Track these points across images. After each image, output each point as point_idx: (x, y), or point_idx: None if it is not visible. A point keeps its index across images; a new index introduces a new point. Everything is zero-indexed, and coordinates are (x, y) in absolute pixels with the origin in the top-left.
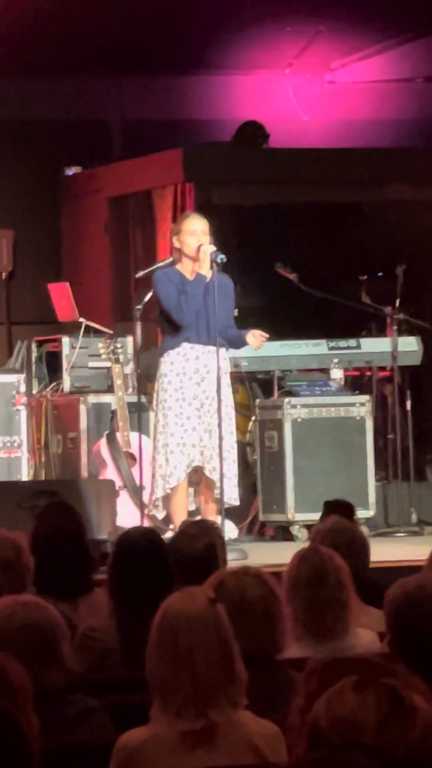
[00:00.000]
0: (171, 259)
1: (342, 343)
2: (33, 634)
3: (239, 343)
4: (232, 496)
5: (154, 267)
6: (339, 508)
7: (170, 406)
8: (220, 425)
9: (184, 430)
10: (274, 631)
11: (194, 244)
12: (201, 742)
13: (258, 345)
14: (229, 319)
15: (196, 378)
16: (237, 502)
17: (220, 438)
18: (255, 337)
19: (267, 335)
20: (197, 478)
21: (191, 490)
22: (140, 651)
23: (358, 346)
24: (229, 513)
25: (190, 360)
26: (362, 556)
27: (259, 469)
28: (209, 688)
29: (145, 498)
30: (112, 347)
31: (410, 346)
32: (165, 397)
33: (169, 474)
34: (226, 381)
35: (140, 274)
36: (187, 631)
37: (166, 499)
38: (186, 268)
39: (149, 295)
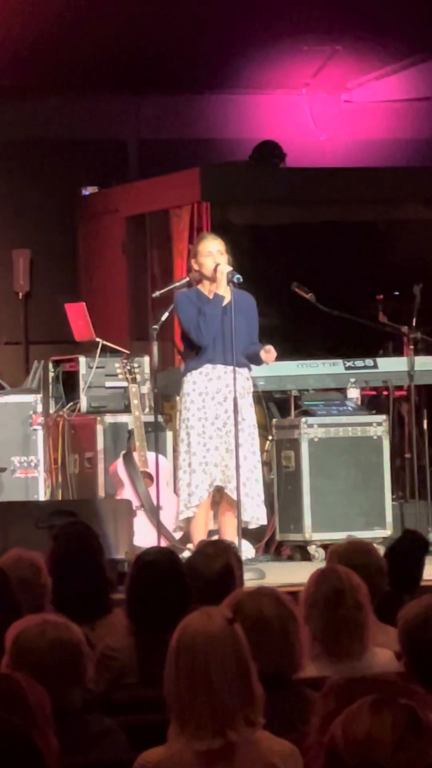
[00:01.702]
0: (187, 279)
1: (359, 362)
2: (61, 653)
3: (256, 359)
4: (257, 515)
5: (170, 287)
6: (413, 541)
7: (193, 425)
8: (236, 445)
9: (207, 450)
10: (291, 650)
11: (211, 265)
12: (219, 761)
13: (270, 360)
14: (252, 336)
15: (219, 398)
16: (264, 521)
17: (237, 457)
18: (267, 352)
19: (275, 352)
20: (218, 497)
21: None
22: (158, 670)
23: (375, 366)
24: (246, 532)
25: (212, 380)
26: (380, 576)
27: (276, 489)
28: (226, 707)
29: (164, 517)
30: (128, 367)
31: (427, 365)
32: (188, 416)
33: (191, 493)
34: (248, 401)
35: (157, 293)
36: (204, 650)
37: (187, 519)
38: (206, 289)
39: (166, 314)
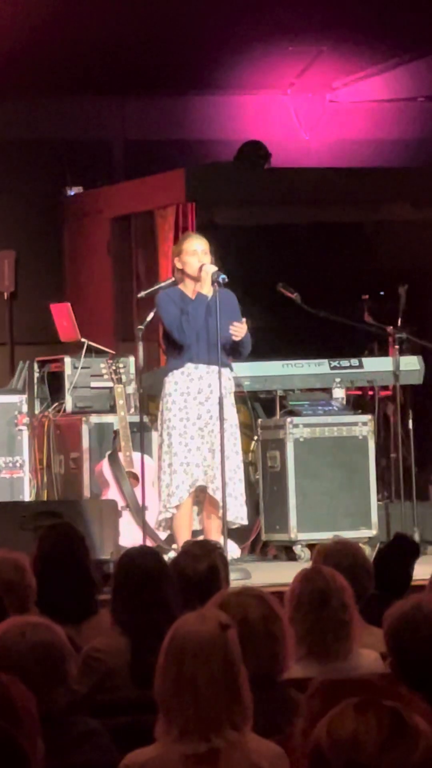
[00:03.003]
0: (173, 279)
1: (344, 362)
2: (43, 654)
3: (235, 349)
4: (239, 515)
5: (155, 287)
6: (402, 545)
7: (174, 426)
8: (222, 445)
9: (188, 450)
10: (276, 651)
11: (196, 264)
12: (205, 764)
13: (239, 333)
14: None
15: (200, 398)
16: (245, 522)
17: (223, 458)
18: (236, 327)
19: (243, 324)
20: (201, 497)
21: (195, 509)
22: (144, 671)
23: (361, 366)
24: (232, 533)
25: (194, 380)
26: (365, 577)
27: (261, 489)
28: (213, 712)
29: (149, 518)
30: (114, 367)
31: (412, 365)
32: (169, 416)
33: (172, 494)
34: (230, 401)
35: (142, 294)
36: (193, 654)
37: (170, 519)
38: (188, 288)
39: (151, 315)
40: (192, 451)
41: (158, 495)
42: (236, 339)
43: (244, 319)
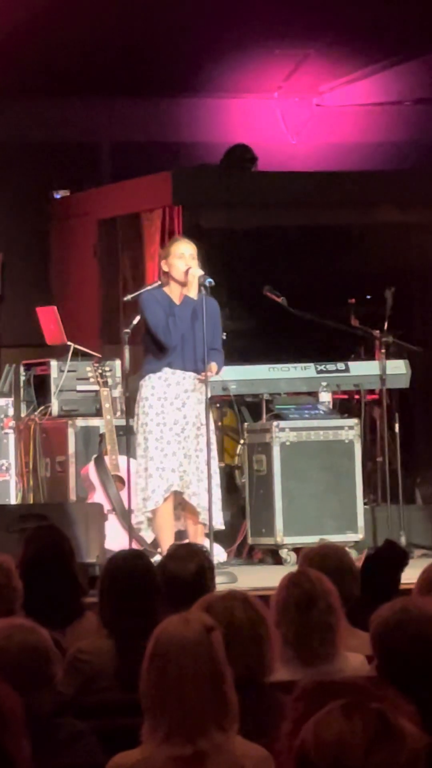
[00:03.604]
0: (159, 282)
1: (330, 366)
2: (29, 657)
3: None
4: (217, 520)
5: (142, 290)
6: (392, 552)
7: (151, 430)
8: (209, 449)
9: (164, 455)
10: (262, 654)
11: (182, 267)
12: (190, 766)
13: (200, 378)
14: (213, 342)
15: (177, 403)
16: (221, 526)
17: (209, 460)
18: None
19: (211, 374)
20: (178, 500)
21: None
22: (130, 674)
23: (347, 369)
24: (218, 536)
25: (171, 385)
26: (351, 580)
27: (247, 493)
28: (198, 715)
29: (134, 521)
30: (100, 371)
31: (399, 369)
32: (146, 420)
33: (148, 498)
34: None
35: (128, 297)
36: (177, 656)
37: (150, 523)
38: (173, 292)
39: (137, 318)
40: (168, 456)
41: (131, 497)
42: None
43: (213, 364)
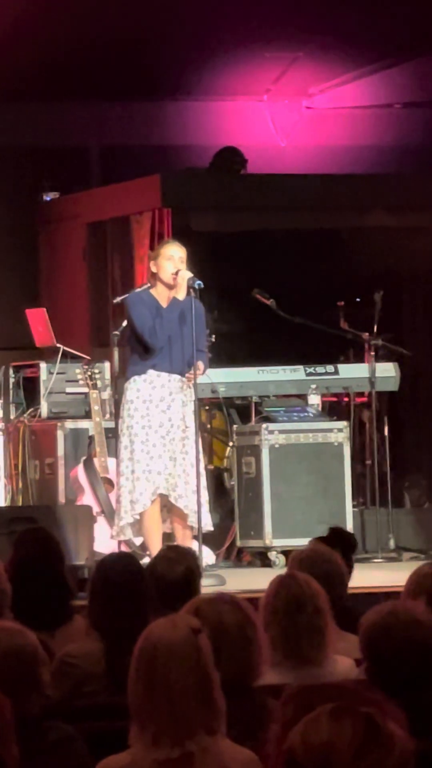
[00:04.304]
0: (148, 285)
1: (320, 368)
2: (15, 659)
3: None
4: (205, 522)
5: (131, 293)
6: (341, 539)
7: (136, 433)
8: (197, 452)
9: (150, 457)
10: (250, 657)
11: (170, 269)
12: None
13: (189, 377)
14: (198, 344)
15: (162, 405)
16: (210, 528)
17: (198, 463)
18: (195, 369)
19: (199, 372)
20: (164, 502)
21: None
22: (119, 677)
23: (336, 372)
24: (206, 538)
25: (156, 387)
26: (340, 583)
27: (236, 495)
28: (186, 717)
29: (116, 524)
30: (89, 373)
31: (388, 371)
32: (131, 423)
33: (135, 500)
34: (191, 408)
35: (117, 299)
36: (164, 659)
37: (137, 525)
38: (161, 294)
39: (126, 320)
40: (154, 459)
41: (117, 500)
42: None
43: (200, 363)
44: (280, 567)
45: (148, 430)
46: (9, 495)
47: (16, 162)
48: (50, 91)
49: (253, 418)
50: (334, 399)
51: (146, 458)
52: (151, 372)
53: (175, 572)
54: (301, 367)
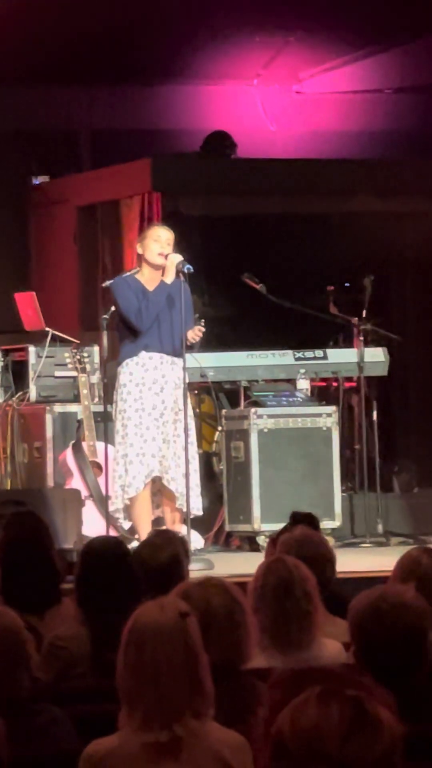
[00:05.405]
0: (138, 269)
1: (309, 353)
2: (3, 640)
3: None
4: (195, 506)
5: (116, 278)
6: (304, 520)
7: (130, 416)
8: (186, 436)
9: (144, 441)
10: (239, 641)
11: (156, 249)
12: (166, 753)
13: (192, 336)
14: (187, 324)
15: (155, 388)
16: (199, 512)
17: (187, 446)
18: (192, 330)
19: (202, 329)
20: (157, 486)
21: (154, 498)
22: (108, 660)
23: (325, 357)
24: (195, 523)
25: (149, 370)
26: (328, 567)
27: (225, 480)
28: (174, 700)
29: (111, 508)
30: (78, 357)
31: (377, 356)
32: (125, 407)
33: (128, 484)
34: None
35: (107, 283)
36: (153, 642)
37: (128, 509)
38: (147, 278)
39: (113, 305)
40: (148, 442)
41: (109, 485)
42: (192, 341)
43: (200, 325)
44: None
45: (142, 413)
46: None
47: (5, 145)
48: (40, 75)
49: (242, 403)
50: (323, 384)
51: (140, 441)
52: (143, 354)
53: (159, 558)
54: (290, 351)
